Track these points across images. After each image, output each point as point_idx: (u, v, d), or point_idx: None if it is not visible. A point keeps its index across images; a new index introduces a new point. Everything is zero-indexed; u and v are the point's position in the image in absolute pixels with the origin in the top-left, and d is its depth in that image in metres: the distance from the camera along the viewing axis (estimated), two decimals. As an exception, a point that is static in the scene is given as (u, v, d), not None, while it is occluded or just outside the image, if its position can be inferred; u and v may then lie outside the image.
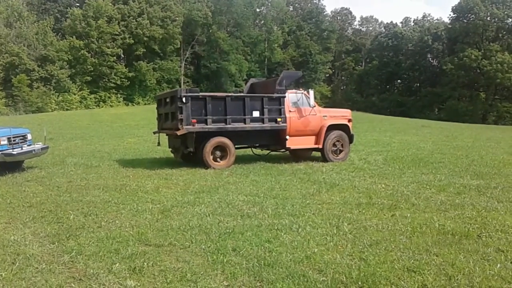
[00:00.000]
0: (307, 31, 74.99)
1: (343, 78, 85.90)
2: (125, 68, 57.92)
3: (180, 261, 4.93)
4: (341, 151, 13.20)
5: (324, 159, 12.97)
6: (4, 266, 4.86)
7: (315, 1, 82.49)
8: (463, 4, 65.05)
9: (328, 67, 77.69)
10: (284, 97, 12.41)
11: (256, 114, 12.01)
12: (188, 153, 12.09)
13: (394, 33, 77.19)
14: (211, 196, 8.19)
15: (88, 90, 54.94)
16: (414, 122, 36.12)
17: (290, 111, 12.57)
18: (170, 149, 13.56)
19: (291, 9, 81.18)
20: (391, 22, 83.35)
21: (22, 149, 11.48)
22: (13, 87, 48.89)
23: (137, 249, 5.27)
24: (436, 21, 79.10)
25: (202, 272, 4.57)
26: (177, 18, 60.74)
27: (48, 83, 51.55)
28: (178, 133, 11.26)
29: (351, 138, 13.40)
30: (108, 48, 55.30)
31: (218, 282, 4.36)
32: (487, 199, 7.78)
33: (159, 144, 13.47)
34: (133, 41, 57.65)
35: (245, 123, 11.95)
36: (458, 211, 6.90)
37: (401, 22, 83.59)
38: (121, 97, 57.75)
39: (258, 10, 75.59)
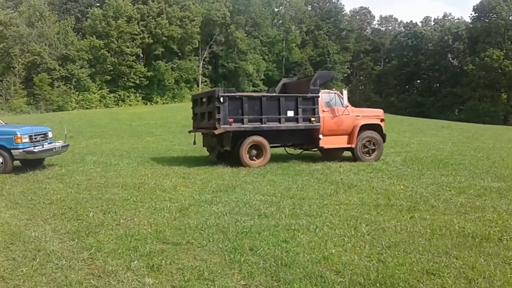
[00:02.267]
0: (325, 30, 74.60)
1: (361, 78, 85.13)
2: (144, 67, 58.53)
3: (198, 259, 4.96)
4: (373, 150, 13.20)
5: (355, 159, 12.99)
6: (25, 262, 4.96)
7: (333, 1, 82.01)
8: (485, 3, 63.89)
9: (346, 67, 77.14)
10: (318, 97, 12.52)
11: (290, 113, 12.18)
12: (224, 151, 12.26)
13: (414, 33, 76.19)
14: (229, 195, 8.21)
15: (108, 89, 55.70)
16: (433, 122, 35.61)
17: (323, 110, 12.70)
18: (206, 148, 13.73)
19: (309, 8, 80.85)
20: (411, 21, 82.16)
21: (43, 147, 11.71)
22: (35, 86, 49.94)
23: (155, 247, 5.32)
24: (457, 20, 77.91)
25: (219, 271, 4.59)
26: (195, 18, 61.07)
27: (69, 82, 52.46)
28: (216, 132, 11.46)
29: (383, 138, 13.41)
30: (128, 47, 55.96)
31: (235, 281, 4.37)
32: (509, 202, 7.62)
33: (194, 142, 13.72)
34: (152, 41, 58.22)
35: (280, 122, 12.13)
36: (479, 214, 6.78)
37: (421, 22, 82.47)
38: (139, 96, 58.36)
39: (276, 9, 75.56)
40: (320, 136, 12.55)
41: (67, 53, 53.27)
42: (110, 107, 52.93)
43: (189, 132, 14.21)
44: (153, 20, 58.32)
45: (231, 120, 11.56)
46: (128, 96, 57.16)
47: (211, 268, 4.68)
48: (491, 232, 5.78)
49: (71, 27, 56.51)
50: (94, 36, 55.17)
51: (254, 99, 12.16)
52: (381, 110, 14.31)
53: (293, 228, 6.02)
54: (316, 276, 4.41)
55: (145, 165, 12.44)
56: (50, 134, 12.70)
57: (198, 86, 65.04)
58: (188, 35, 60.55)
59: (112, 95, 56.01)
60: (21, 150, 11.15)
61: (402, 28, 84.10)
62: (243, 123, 11.75)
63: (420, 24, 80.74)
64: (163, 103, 57.69)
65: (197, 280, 4.39)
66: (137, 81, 57.47)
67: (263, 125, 11.95)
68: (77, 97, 52.27)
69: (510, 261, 4.80)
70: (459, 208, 7.14)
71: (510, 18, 61.95)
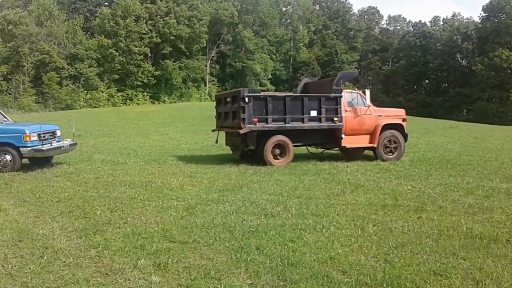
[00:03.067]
0: (333, 30, 74.39)
1: (369, 78, 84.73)
2: (152, 66, 58.72)
3: (204, 258, 4.97)
4: (395, 150, 13.32)
5: (377, 158, 13.12)
6: (32, 259, 5.00)
7: (342, 0, 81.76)
8: (494, 3, 63.34)
9: (354, 66, 76.72)
10: (341, 96, 12.65)
11: (313, 113, 12.33)
12: (248, 151, 12.45)
13: (423, 33, 75.72)
14: (235, 194, 8.22)
15: (116, 88, 55.97)
16: (441, 123, 35.39)
17: (346, 110, 12.83)
18: (230, 147, 13.92)
19: (317, 8, 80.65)
20: (420, 21, 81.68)
21: (51, 145, 11.80)
22: (43, 84, 50.30)
23: (162, 246, 5.34)
24: (466, 20, 77.30)
25: (226, 270, 4.59)
26: (203, 17, 61.16)
27: (77, 81, 52.79)
28: (241, 131, 11.62)
29: (405, 137, 13.50)
30: (136, 47, 56.17)
31: (241, 280, 4.37)
32: (518, 203, 7.56)
33: (217, 141, 13.88)
34: (160, 40, 58.38)
35: (303, 122, 12.29)
36: (487, 215, 6.73)
37: (430, 21, 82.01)
38: (147, 95, 58.57)
39: (284, 9, 75.46)
40: (343, 135, 12.68)
41: (76, 52, 53.61)
42: (118, 106, 53.16)
43: (213, 131, 14.41)
44: (161, 19, 58.48)
45: (255, 119, 11.73)
46: (136, 95, 57.39)
47: (217, 267, 4.69)
48: (499, 233, 5.74)
49: (79, 26, 56.83)
50: (103, 35, 55.46)
51: (278, 99, 12.32)
52: (403, 110, 14.49)
53: (299, 227, 6.01)
54: (323, 276, 4.40)
55: (152, 164, 12.49)
56: (58, 133, 12.78)
57: (205, 85, 65.17)
58: (196, 35, 60.63)
59: (120, 94, 56.27)
60: (29, 148, 11.23)
61: (411, 27, 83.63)
62: (267, 123, 11.93)
63: (428, 24, 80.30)
64: (171, 102, 57.86)
65: (204, 279, 4.39)
66: (145, 80, 57.67)
67: (287, 125, 12.12)
68: (86, 95, 52.58)
69: (518, 263, 4.76)
70: (467, 209, 7.09)
71: (520, 18, 61.40)
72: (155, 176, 10.37)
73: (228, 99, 12.90)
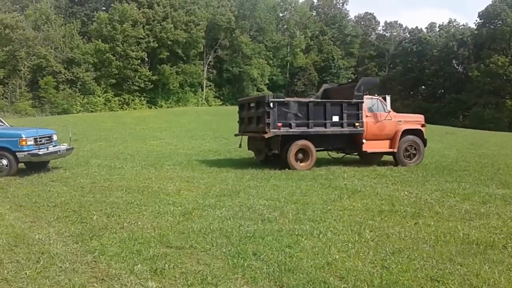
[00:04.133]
0: (330, 36, 74.68)
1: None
2: (149, 71, 58.62)
3: (201, 263, 4.95)
4: (414, 155, 13.54)
5: (397, 162, 13.35)
6: (28, 264, 4.97)
7: (338, 6, 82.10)
8: (490, 10, 63.82)
9: (351, 72, 76.98)
10: (362, 102, 12.90)
11: (335, 118, 12.61)
12: (271, 154, 12.70)
13: (419, 39, 76.11)
14: (232, 199, 8.22)
15: (113, 93, 55.83)
16: (438, 129, 35.47)
17: (366, 116, 13.06)
18: (252, 151, 14.18)
19: (314, 14, 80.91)
20: (416, 27, 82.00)
21: (48, 149, 11.76)
22: (40, 88, 50.11)
23: (158, 251, 5.32)
24: (462, 27, 77.77)
25: (222, 276, 4.58)
26: (200, 23, 61.22)
27: (74, 85, 52.62)
28: (266, 136, 11.89)
29: (424, 143, 13.76)
30: (133, 51, 56.09)
31: (238, 286, 4.36)
32: (514, 209, 7.58)
33: (240, 145, 14.18)
34: (157, 45, 58.35)
35: (325, 127, 12.55)
36: (483, 221, 6.75)
37: (426, 28, 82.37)
38: (144, 100, 58.44)
39: (281, 15, 75.71)
40: (364, 140, 12.92)
41: (73, 56, 53.47)
42: (114, 111, 53.04)
43: (235, 135, 14.71)
44: (159, 24, 58.49)
45: (280, 124, 11.98)
46: (132, 100, 57.25)
47: (214, 272, 4.68)
48: (496, 239, 5.76)
49: (76, 30, 56.68)
50: (100, 40, 55.36)
51: (301, 104, 12.56)
52: (422, 116, 14.80)
53: (296, 233, 6.01)
54: (320, 282, 4.40)
55: (149, 168, 12.47)
56: (55, 137, 12.74)
57: (202, 90, 65.16)
58: (193, 40, 60.65)
59: (116, 98, 56.09)
60: (26, 153, 11.19)
61: (407, 34, 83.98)
62: (291, 128, 12.20)
63: (425, 30, 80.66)
64: (168, 107, 57.77)
65: (200, 285, 4.39)
66: (142, 85, 57.55)
67: (310, 130, 12.39)
68: (82, 100, 52.39)
69: (515, 269, 4.77)
70: (464, 215, 7.11)
71: (516, 24, 61.80)
72: (152, 181, 10.35)
73: (252, 105, 13.23)
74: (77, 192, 9.06)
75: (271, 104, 11.88)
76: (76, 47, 54.48)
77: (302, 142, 12.32)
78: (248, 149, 14.25)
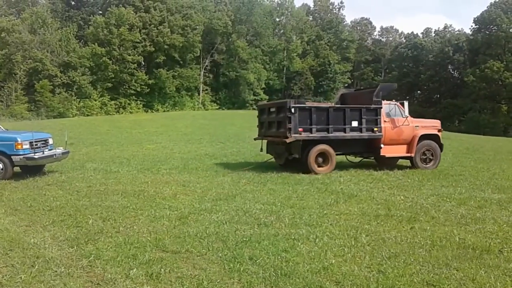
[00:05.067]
0: (326, 40, 74.88)
1: (362, 88, 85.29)
2: (145, 75, 58.59)
3: (197, 268, 4.94)
4: (430, 160, 13.79)
5: (413, 166, 13.58)
6: (23, 268, 4.95)
7: (335, 11, 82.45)
8: (485, 16, 64.29)
9: (347, 77, 77.29)
10: (381, 108, 13.10)
11: (355, 123, 12.82)
12: (292, 159, 13.02)
13: (414, 44, 76.55)
14: (228, 204, 8.20)
15: (109, 97, 55.71)
16: (433, 133, 35.59)
17: (385, 121, 13.28)
18: (272, 154, 14.31)
19: (310, 18, 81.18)
20: (412, 32, 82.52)
21: (43, 153, 11.71)
22: (36, 92, 49.98)
23: (154, 255, 5.31)
24: (458, 32, 78.27)
25: (218, 280, 4.57)
26: (197, 27, 61.30)
27: (70, 89, 52.50)
28: (287, 140, 12.10)
29: (441, 147, 14.02)
30: (129, 55, 56.06)
31: (234, 291, 4.35)
32: (509, 214, 7.61)
33: (262, 150, 14.34)
34: (153, 49, 58.36)
35: (345, 132, 12.75)
36: (479, 225, 6.76)
37: (422, 33, 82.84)
38: (140, 103, 58.37)
39: (278, 19, 75.88)
40: (382, 145, 13.14)
41: (69, 60, 53.36)
42: (111, 114, 52.93)
43: (255, 139, 14.86)
44: (155, 28, 58.50)
45: (301, 129, 12.20)
46: (129, 104, 57.15)
47: (210, 277, 4.67)
48: (492, 244, 5.77)
49: (73, 34, 56.61)
50: (96, 44, 55.29)
51: (321, 109, 12.82)
52: (439, 121, 15.03)
53: (293, 237, 6.00)
54: (316, 287, 4.40)
55: (145, 172, 12.44)
56: (50, 141, 12.71)
57: (199, 94, 65.15)
58: (189, 44, 60.69)
59: (113, 102, 55.98)
60: (21, 156, 11.15)
61: (403, 39, 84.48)
62: (311, 132, 12.40)
63: (420, 36, 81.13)
64: (164, 111, 57.68)
65: (196, 289, 4.37)
66: (138, 89, 57.49)
67: (330, 135, 12.60)
68: (78, 104, 52.26)
69: (510, 273, 4.79)
70: (460, 220, 7.12)
71: (511, 30, 62.24)
72: (147, 185, 10.33)
73: (272, 109, 13.40)
74: (73, 196, 9.02)
75: (293, 110, 12.07)
76: (72, 50, 54.42)
77: (322, 147, 12.54)
78: (267, 153, 14.46)
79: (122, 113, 54.95)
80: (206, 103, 64.59)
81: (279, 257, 5.23)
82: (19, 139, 11.30)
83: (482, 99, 62.22)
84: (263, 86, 68.05)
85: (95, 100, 53.96)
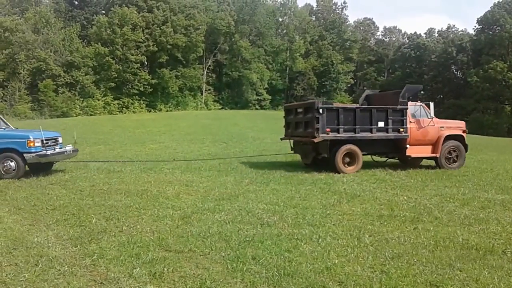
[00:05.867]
0: (329, 40, 74.84)
1: (365, 88, 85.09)
2: (148, 75, 58.74)
3: (200, 267, 4.94)
4: (455, 160, 13.91)
5: (438, 167, 13.73)
6: (27, 267, 4.97)
7: (338, 11, 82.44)
8: (489, 16, 64.16)
9: (350, 77, 77.22)
10: (407, 108, 13.25)
11: (381, 124, 12.95)
12: (319, 158, 13.23)
13: (417, 44, 76.44)
14: (231, 203, 8.20)
15: (112, 96, 55.89)
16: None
17: (410, 122, 13.43)
18: (299, 154, 14.52)
19: (313, 18, 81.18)
20: (415, 33, 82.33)
21: (55, 150, 11.81)
22: (39, 92, 50.21)
23: (157, 255, 5.32)
24: (461, 32, 78.13)
25: (221, 280, 4.57)
26: (200, 27, 61.40)
27: (73, 89, 52.72)
28: (315, 140, 12.27)
29: (466, 148, 14.14)
30: (132, 55, 56.22)
31: (237, 290, 4.35)
32: (513, 215, 7.58)
33: (292, 148, 14.53)
34: (156, 49, 58.51)
35: (371, 132, 12.90)
36: (483, 226, 6.74)
37: (425, 33, 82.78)
38: (143, 103, 58.51)
39: (280, 19, 75.95)
40: (407, 145, 13.27)
41: (72, 59, 53.54)
42: (114, 114, 53.06)
43: (281, 139, 15.05)
44: (158, 28, 58.64)
45: (328, 129, 12.34)
46: (132, 103, 57.30)
47: (213, 276, 4.67)
48: (495, 245, 5.75)
49: (76, 34, 56.84)
50: (99, 43, 55.50)
51: (348, 110, 12.99)
52: (463, 122, 15.19)
53: (296, 237, 6.00)
54: (319, 287, 4.40)
55: (148, 172, 12.45)
56: (60, 139, 12.83)
57: (202, 94, 65.25)
58: (192, 44, 60.81)
59: (116, 102, 56.14)
60: (33, 154, 11.22)
61: (406, 39, 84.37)
62: (338, 133, 12.55)
63: (424, 36, 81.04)
64: (167, 111, 57.79)
65: (200, 289, 4.37)
66: (141, 89, 57.65)
67: (357, 135, 12.75)
68: (82, 103, 52.45)
69: (514, 274, 4.77)
70: (463, 220, 7.11)
71: (514, 30, 62.10)
72: (151, 184, 10.34)
73: (299, 110, 13.62)
74: (76, 195, 9.05)
75: (321, 110, 12.22)
76: (75, 50, 54.63)
77: (349, 147, 12.68)
78: (294, 152, 14.64)
79: (125, 112, 55.09)
80: (209, 103, 64.67)
81: (282, 257, 5.22)
82: (31, 137, 11.37)
83: (485, 100, 62.08)
84: (266, 86, 68.12)
85: (98, 100, 54.13)
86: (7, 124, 12.83)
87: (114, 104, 55.62)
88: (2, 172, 11.17)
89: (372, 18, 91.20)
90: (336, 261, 5.11)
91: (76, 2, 65.80)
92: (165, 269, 4.85)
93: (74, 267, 4.96)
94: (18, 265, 5.05)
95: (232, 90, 67.77)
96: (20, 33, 52.06)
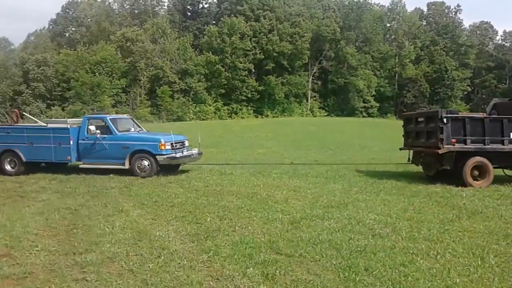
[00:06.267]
0: (442, 46, 70.45)
1: (483, 96, 78.59)
2: (256, 82, 60.48)
3: (311, 273, 4.94)
4: None
5: None
6: (151, 258, 5.39)
7: (451, 15, 77.43)
8: None
9: (466, 84, 71.86)
10: None
11: None
12: (442, 170, 12.39)
13: (547, 48, 68.80)
14: (340, 211, 8.06)
15: (222, 102, 58.61)
16: None
17: None
18: (421, 165, 13.80)
19: (424, 23, 77.13)
20: (542, 36, 74.27)
21: (183, 153, 12.71)
22: (157, 97, 54.33)
23: (269, 257, 5.42)
24: None
25: (334, 288, 4.51)
26: (305, 34, 61.76)
27: (187, 95, 56.21)
28: (439, 151, 11.61)
29: None
30: (241, 63, 58.36)
31: (351, 300, 4.26)
32: None
33: (409, 160, 13.91)
34: (263, 57, 60.09)
35: (503, 144, 11.91)
36: None
37: (556, 36, 74.21)
38: (251, 109, 60.40)
39: (388, 25, 73.55)
40: None
41: (186, 67, 57.16)
42: (224, 119, 55.53)
43: (400, 149, 14.45)
44: (265, 36, 60.16)
45: (454, 140, 11.64)
46: (240, 109, 59.50)
47: (325, 284, 4.64)
48: None
49: (189, 43, 60.58)
50: (210, 52, 58.49)
51: (476, 120, 12.10)
52: None
53: (411, 251, 5.72)
54: (440, 305, 4.13)
55: (257, 176, 12.73)
56: (186, 143, 13.74)
57: (307, 101, 65.43)
58: (298, 51, 61.39)
59: (225, 107, 58.79)
60: (165, 156, 12.21)
61: (531, 43, 76.41)
62: (465, 144, 11.75)
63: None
64: (273, 117, 58.95)
65: (312, 294, 4.37)
66: (249, 95, 59.61)
67: (486, 147, 11.81)
68: (195, 108, 55.77)
69: None
70: None
71: None
72: (260, 188, 10.57)
73: (420, 119, 12.99)
74: (192, 194, 9.59)
75: (445, 120, 11.54)
76: (189, 59, 58.20)
77: (478, 159, 11.74)
78: (413, 163, 13.86)
79: (234, 118, 57.32)
80: (314, 109, 64.64)
81: (396, 271, 5.01)
82: (162, 140, 12.38)
83: None
84: (374, 93, 66.26)
85: (210, 105, 57.07)
86: (140, 127, 14.06)
87: (224, 110, 58.24)
88: (138, 170, 12.25)
89: (489, 22, 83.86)
90: (458, 280, 4.78)
91: (189, 13, 70.14)
92: (277, 271, 4.93)
93: (193, 261, 5.27)
94: (143, 255, 5.50)
95: (338, 97, 66.98)
96: (140, 43, 56.89)
